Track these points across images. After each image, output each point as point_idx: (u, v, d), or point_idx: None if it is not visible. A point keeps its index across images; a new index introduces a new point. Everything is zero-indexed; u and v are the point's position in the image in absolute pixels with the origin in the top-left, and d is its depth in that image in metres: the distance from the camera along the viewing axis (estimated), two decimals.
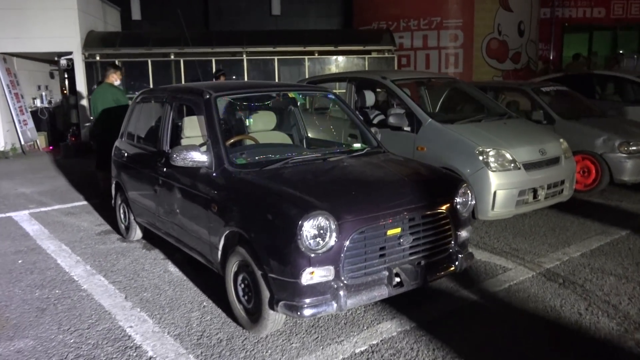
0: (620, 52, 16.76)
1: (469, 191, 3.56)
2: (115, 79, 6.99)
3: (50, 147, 11.97)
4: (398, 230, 3.13)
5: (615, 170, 6.54)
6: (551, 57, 17.39)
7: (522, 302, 3.67)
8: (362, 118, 4.76)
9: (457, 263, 3.41)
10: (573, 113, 7.30)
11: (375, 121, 6.30)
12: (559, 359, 2.97)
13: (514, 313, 3.52)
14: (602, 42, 18.80)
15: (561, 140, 5.64)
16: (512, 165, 4.97)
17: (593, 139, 6.61)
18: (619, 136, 6.54)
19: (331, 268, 2.91)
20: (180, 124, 4.40)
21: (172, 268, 4.43)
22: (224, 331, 3.33)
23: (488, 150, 4.96)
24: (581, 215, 5.71)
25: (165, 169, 4.11)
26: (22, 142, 11.51)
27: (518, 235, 5.09)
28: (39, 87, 13.26)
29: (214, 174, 3.54)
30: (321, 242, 2.87)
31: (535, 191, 5.10)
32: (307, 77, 11.53)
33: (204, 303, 3.74)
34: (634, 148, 6.47)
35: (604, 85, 9.73)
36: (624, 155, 6.46)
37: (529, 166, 5.08)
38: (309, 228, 2.83)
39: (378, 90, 6.68)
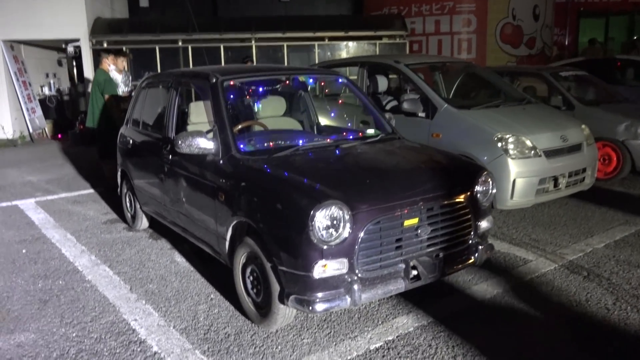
0: (635, 37, 16.34)
1: (489, 179, 3.37)
2: (108, 64, 6.76)
3: (59, 135, 11.87)
4: (415, 220, 2.95)
5: (638, 157, 6.29)
6: (566, 43, 17.01)
7: (546, 296, 3.48)
8: (374, 103, 4.56)
9: (476, 255, 3.24)
10: (593, 99, 7.05)
11: (387, 107, 6.09)
12: (587, 357, 2.79)
13: (538, 308, 3.33)
14: (618, 27, 18.34)
15: (583, 126, 5.41)
16: (533, 152, 4.76)
17: (615, 125, 6.35)
18: None
19: (345, 261, 2.74)
20: (186, 109, 4.24)
21: (179, 258, 4.29)
22: (232, 325, 3.18)
23: (507, 136, 4.75)
24: (603, 204, 5.49)
25: (170, 157, 3.95)
26: (31, 130, 11.43)
27: (538, 226, 4.89)
28: (47, 75, 13.15)
29: (221, 162, 3.38)
30: (334, 233, 2.70)
31: (556, 179, 4.89)
32: (317, 63, 11.32)
33: (211, 295, 3.60)
34: None
35: (624, 70, 9.42)
36: None
37: (549, 153, 4.86)
38: (321, 218, 2.67)
39: (390, 75, 6.47)
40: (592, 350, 2.85)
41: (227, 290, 3.57)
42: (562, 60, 11.26)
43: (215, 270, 3.93)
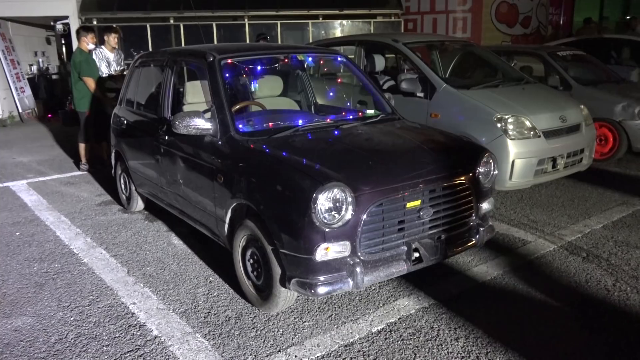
0: (628, 17, 16.23)
1: (491, 160, 3.33)
2: (87, 42, 6.45)
3: (49, 115, 11.68)
4: (417, 202, 2.92)
5: (634, 138, 6.29)
6: (561, 22, 16.88)
7: (546, 277, 3.48)
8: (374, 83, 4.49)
9: (477, 237, 3.22)
10: (590, 79, 7.01)
11: (385, 87, 6.02)
12: (589, 338, 2.79)
13: (538, 289, 3.33)
14: (613, 6, 18.21)
15: (582, 106, 5.38)
16: (532, 133, 4.73)
17: (612, 105, 6.34)
18: (639, 103, 6.27)
19: (347, 243, 2.71)
20: (182, 89, 4.15)
21: (176, 241, 4.25)
22: (232, 308, 3.16)
23: (507, 117, 4.71)
24: (600, 185, 5.49)
25: (167, 137, 3.88)
26: (20, 110, 11.23)
27: (536, 206, 4.88)
28: (36, 54, 12.89)
29: (219, 142, 3.31)
30: (337, 215, 2.66)
31: (554, 160, 4.87)
32: (311, 42, 11.16)
33: (210, 278, 3.56)
34: None
35: (620, 49, 9.38)
36: None
37: (549, 134, 4.83)
38: (323, 201, 2.62)
39: (387, 54, 6.38)
40: (593, 331, 2.85)
41: (226, 272, 3.54)
42: (557, 40, 11.19)
43: (213, 253, 3.90)
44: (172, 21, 11.52)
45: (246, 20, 11.89)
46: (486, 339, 2.78)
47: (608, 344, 2.73)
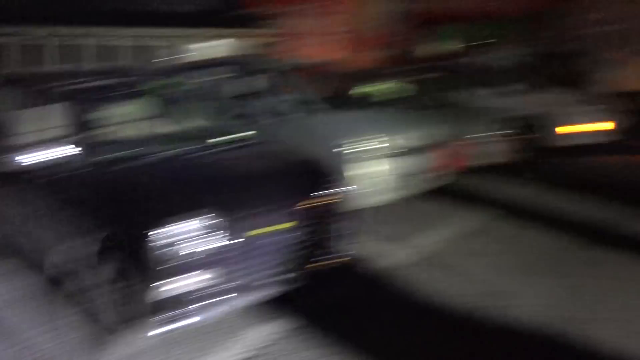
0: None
1: (348, 181, 3.49)
2: None
3: None
4: (278, 227, 2.98)
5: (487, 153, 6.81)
6: None
7: (405, 289, 3.67)
8: (239, 105, 4.45)
9: (338, 255, 3.36)
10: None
11: (250, 109, 5.98)
12: (447, 345, 3.00)
13: (400, 302, 3.53)
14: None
15: (428, 127, 5.72)
16: (384, 153, 4.95)
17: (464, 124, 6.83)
18: None
19: (208, 273, 2.69)
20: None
21: None
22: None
23: (355, 139, 4.88)
24: (455, 198, 5.83)
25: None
26: None
27: (394, 221, 5.08)
28: None
29: (69, 174, 3.09)
30: (196, 246, 2.63)
31: (413, 176, 5.14)
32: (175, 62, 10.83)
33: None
34: None
35: None
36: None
37: (407, 152, 5.10)
38: (178, 233, 2.57)
39: (255, 75, 6.37)
40: (453, 339, 3.07)
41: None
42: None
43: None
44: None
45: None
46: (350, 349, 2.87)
47: (466, 350, 2.95)
